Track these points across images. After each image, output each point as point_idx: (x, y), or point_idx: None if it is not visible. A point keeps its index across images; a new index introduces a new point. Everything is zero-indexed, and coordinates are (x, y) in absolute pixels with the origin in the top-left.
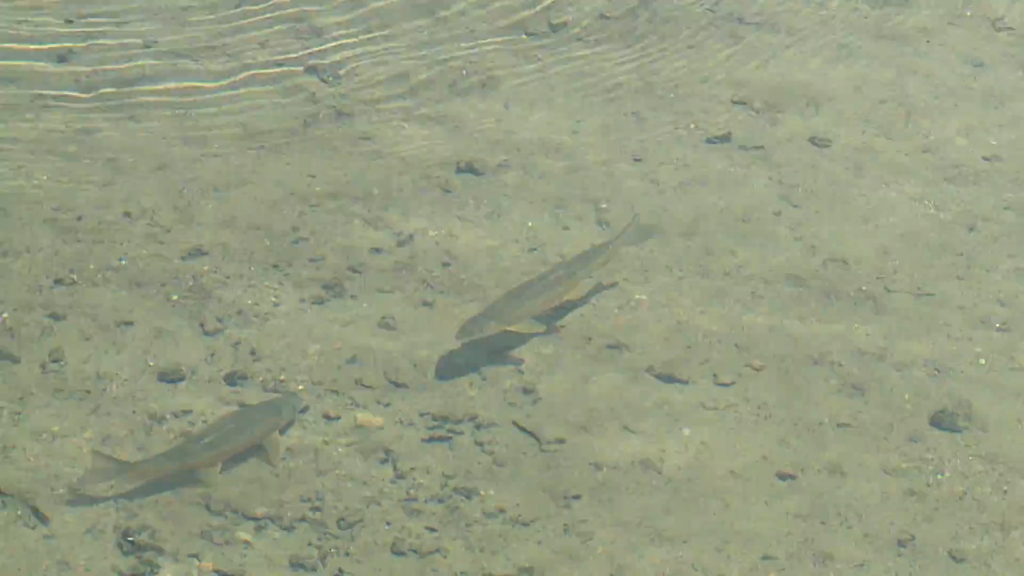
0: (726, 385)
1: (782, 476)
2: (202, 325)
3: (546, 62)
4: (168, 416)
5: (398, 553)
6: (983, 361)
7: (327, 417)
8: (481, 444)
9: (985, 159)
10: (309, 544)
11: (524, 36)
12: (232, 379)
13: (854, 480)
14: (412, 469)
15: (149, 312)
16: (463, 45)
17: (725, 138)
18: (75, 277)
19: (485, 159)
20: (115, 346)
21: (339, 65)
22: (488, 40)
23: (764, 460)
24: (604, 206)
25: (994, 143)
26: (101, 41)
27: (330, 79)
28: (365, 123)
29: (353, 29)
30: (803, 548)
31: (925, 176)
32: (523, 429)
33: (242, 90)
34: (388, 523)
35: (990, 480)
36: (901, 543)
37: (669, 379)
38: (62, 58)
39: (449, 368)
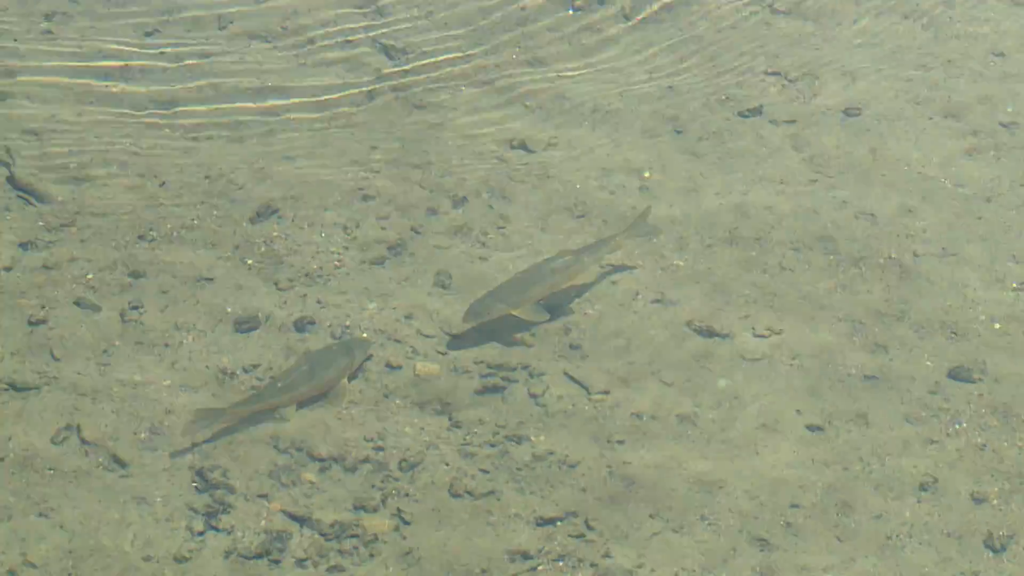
0: (763, 336)
1: (811, 427)
2: (276, 283)
3: (591, 40)
4: (239, 368)
5: (455, 495)
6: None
7: (388, 366)
8: (534, 395)
9: (1002, 125)
10: (372, 486)
11: (570, 12)
12: (301, 325)
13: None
14: (467, 416)
15: (224, 268)
16: (515, 23)
17: (758, 110)
18: (155, 235)
19: (536, 131)
20: (192, 300)
21: (402, 42)
22: (538, 19)
23: (796, 412)
24: (646, 175)
25: (1011, 110)
26: (183, 15)
27: (394, 55)
28: (425, 96)
29: (414, 10)
30: (828, 495)
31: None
32: (573, 379)
33: (311, 66)
34: (446, 464)
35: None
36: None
37: (708, 334)
38: (148, 33)
39: (502, 323)
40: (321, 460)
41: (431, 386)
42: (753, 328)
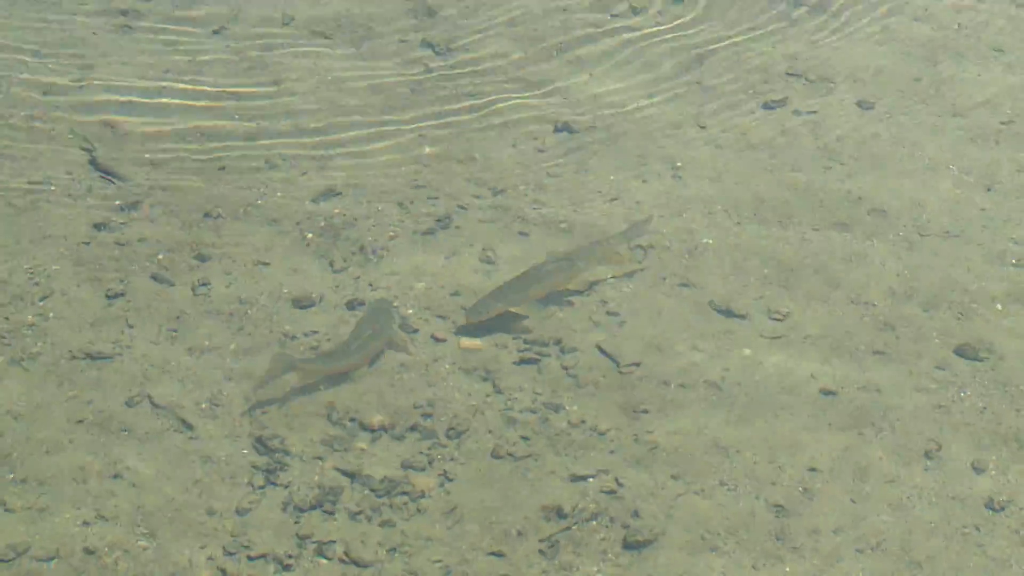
0: (778, 320)
1: (825, 392)
2: (331, 264)
3: (626, 38)
4: (299, 334)
5: (497, 457)
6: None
7: (435, 339)
8: (567, 367)
9: (1002, 123)
10: (420, 452)
11: (608, 17)
12: (352, 304)
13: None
14: (508, 386)
15: (285, 246)
16: (556, 24)
17: (781, 103)
18: (221, 211)
19: (575, 121)
20: (256, 274)
21: (449, 40)
22: (577, 18)
23: (811, 378)
24: (679, 164)
25: (1009, 111)
26: (249, 12)
27: (441, 51)
28: (470, 87)
29: (461, 9)
30: (843, 458)
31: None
32: (604, 352)
33: (367, 61)
34: (490, 431)
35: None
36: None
37: (728, 313)
38: (216, 30)
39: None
40: (372, 430)
41: (476, 357)
42: (769, 308)
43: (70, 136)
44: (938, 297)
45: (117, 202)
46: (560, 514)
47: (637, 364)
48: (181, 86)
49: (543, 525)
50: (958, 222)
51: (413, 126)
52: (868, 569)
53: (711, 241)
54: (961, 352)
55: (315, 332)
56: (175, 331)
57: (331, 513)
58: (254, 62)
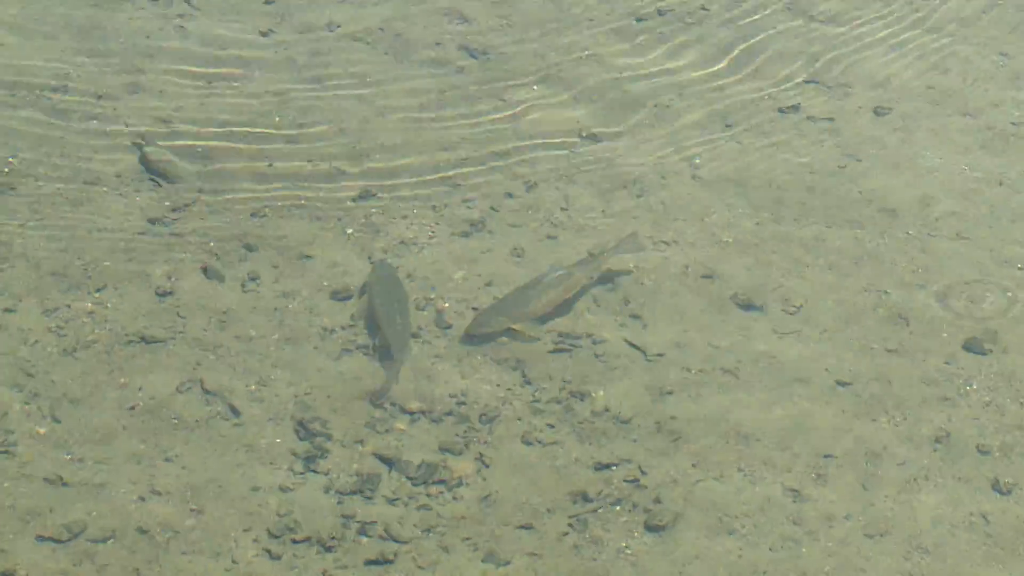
0: (794, 312)
1: (841, 383)
2: (369, 258)
3: (652, 44)
4: (337, 327)
5: (526, 443)
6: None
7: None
8: (597, 356)
9: (1012, 124)
10: (455, 435)
11: (635, 22)
12: None
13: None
14: (537, 375)
15: (327, 242)
16: (584, 30)
17: (796, 108)
18: (267, 211)
19: (600, 123)
20: (299, 270)
21: (483, 43)
22: (605, 25)
23: (825, 372)
24: (699, 162)
25: (1017, 113)
26: (296, 20)
27: (476, 54)
28: (502, 91)
29: (492, 15)
30: (856, 445)
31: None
32: (632, 344)
33: (404, 64)
34: (519, 419)
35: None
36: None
37: (748, 306)
38: (264, 33)
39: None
40: (411, 413)
41: (508, 347)
42: (787, 300)
43: (122, 135)
44: (949, 292)
45: (167, 201)
46: (585, 498)
47: (661, 354)
48: (229, 87)
49: (571, 507)
50: (968, 221)
51: (450, 127)
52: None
53: (730, 239)
54: (968, 347)
55: (352, 325)
56: (224, 319)
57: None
58: (299, 64)
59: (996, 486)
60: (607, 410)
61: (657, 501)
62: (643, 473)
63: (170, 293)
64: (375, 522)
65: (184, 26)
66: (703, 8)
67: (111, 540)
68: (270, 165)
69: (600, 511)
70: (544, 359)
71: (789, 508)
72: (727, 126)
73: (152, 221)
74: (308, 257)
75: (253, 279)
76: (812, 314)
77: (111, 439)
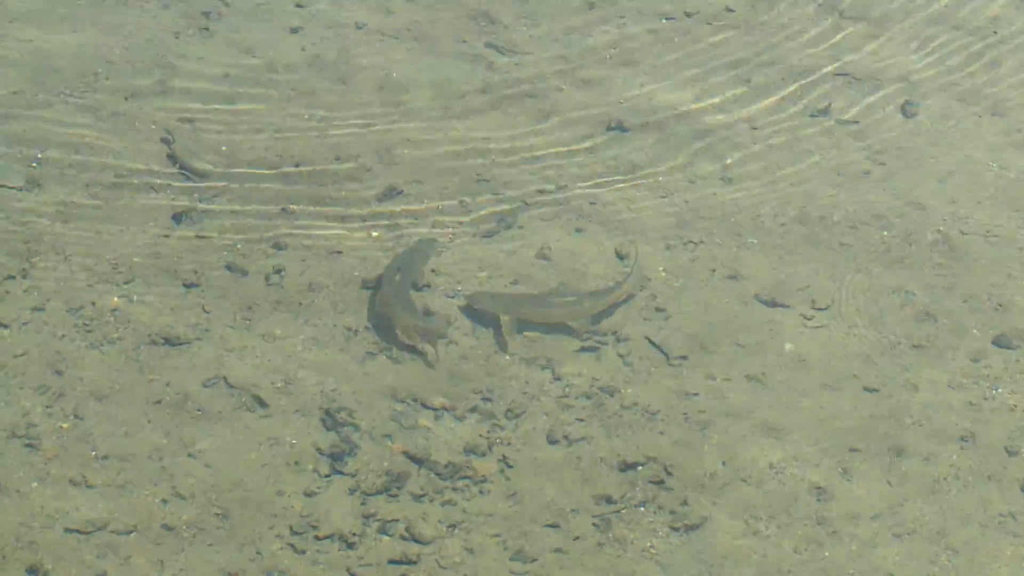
0: (821, 309)
1: (868, 388)
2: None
3: (680, 42)
4: (362, 326)
5: (552, 440)
6: None
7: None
8: (622, 355)
9: None
10: (480, 435)
11: (663, 21)
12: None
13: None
14: (566, 372)
15: (354, 239)
16: (612, 28)
17: (825, 111)
18: (295, 206)
19: (629, 120)
20: (325, 267)
21: (511, 43)
22: (633, 24)
23: (853, 377)
24: (727, 163)
25: None
26: (322, 19)
27: (505, 53)
28: (529, 89)
29: (521, 17)
30: (882, 443)
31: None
32: (653, 344)
33: (432, 61)
34: (545, 414)
35: None
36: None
37: (773, 304)
38: (293, 31)
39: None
40: (434, 409)
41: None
42: (813, 301)
43: (151, 131)
44: (977, 293)
45: (196, 195)
46: (609, 500)
47: (685, 357)
48: (257, 84)
49: (595, 508)
50: (997, 219)
51: (475, 125)
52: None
53: (755, 240)
54: (998, 343)
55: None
56: (249, 318)
57: (395, 497)
58: (327, 62)
59: None
60: (636, 404)
61: (684, 503)
62: (668, 475)
63: (196, 285)
64: (398, 520)
65: (212, 24)
66: (728, 9)
67: (134, 533)
68: (297, 165)
69: (625, 511)
70: (572, 357)
71: (815, 507)
72: (754, 128)
73: (179, 218)
74: (336, 253)
75: (279, 271)
76: (837, 313)
77: (136, 432)
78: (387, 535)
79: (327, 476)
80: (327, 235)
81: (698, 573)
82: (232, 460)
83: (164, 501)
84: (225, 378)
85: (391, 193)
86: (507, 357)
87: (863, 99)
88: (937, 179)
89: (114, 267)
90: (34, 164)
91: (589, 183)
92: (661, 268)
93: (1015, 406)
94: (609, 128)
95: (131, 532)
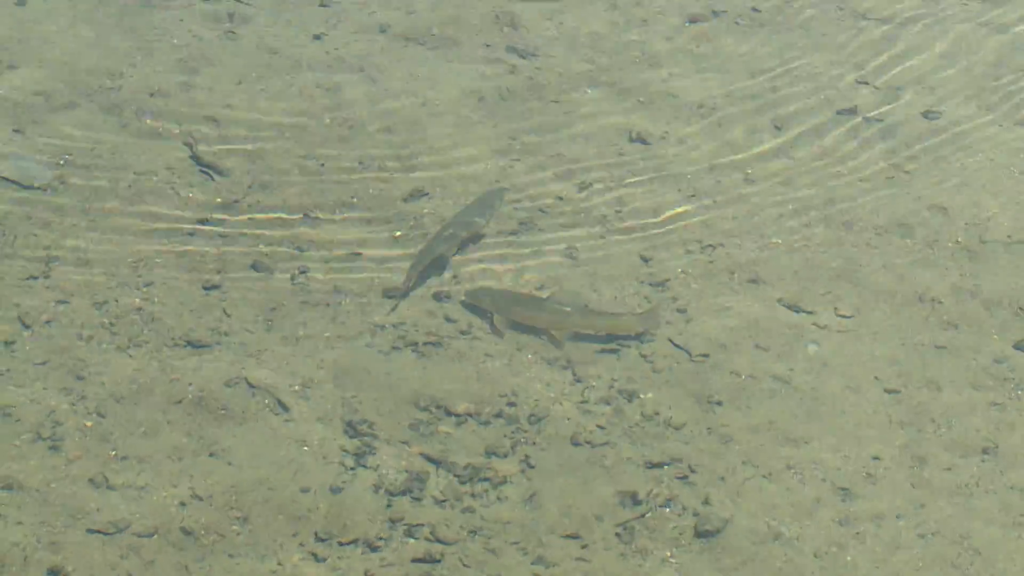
0: (846, 317)
1: (889, 391)
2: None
3: (705, 46)
4: (387, 325)
5: (575, 444)
6: None
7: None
8: (644, 356)
9: None
10: (503, 436)
11: (688, 24)
12: (440, 297)
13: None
14: (587, 375)
15: (379, 241)
16: (637, 32)
17: (851, 111)
18: (318, 209)
19: (651, 124)
20: (348, 268)
21: (533, 47)
22: (658, 27)
23: (875, 379)
24: (749, 172)
25: None
26: (347, 22)
27: (527, 56)
28: (555, 92)
29: (545, 21)
30: (904, 451)
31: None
32: (676, 345)
33: (458, 65)
34: (568, 419)
35: None
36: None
37: (796, 309)
38: (317, 37)
39: (618, 294)
40: (457, 415)
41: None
42: (836, 307)
43: (174, 133)
44: (999, 298)
45: (217, 199)
46: (634, 499)
47: (706, 355)
48: (281, 86)
49: (619, 512)
50: (1019, 226)
51: (499, 128)
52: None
53: (779, 240)
54: (1020, 347)
55: (403, 323)
56: (271, 320)
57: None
58: (351, 65)
59: None
60: (657, 413)
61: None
62: (692, 471)
63: (218, 287)
64: (422, 524)
65: (236, 26)
66: (754, 9)
67: (156, 535)
68: (322, 165)
69: (648, 516)
70: (592, 359)
71: (838, 508)
72: (776, 128)
73: (202, 220)
74: (357, 255)
75: (303, 272)
76: (862, 318)
77: (156, 433)
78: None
79: (352, 469)
80: (351, 237)
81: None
82: (255, 460)
83: (183, 504)
84: (246, 379)
85: (416, 195)
86: (529, 356)
87: (887, 101)
88: (960, 183)
89: (136, 268)
90: (61, 163)
91: (613, 185)
92: (680, 270)
93: None
94: (631, 139)
95: (152, 534)
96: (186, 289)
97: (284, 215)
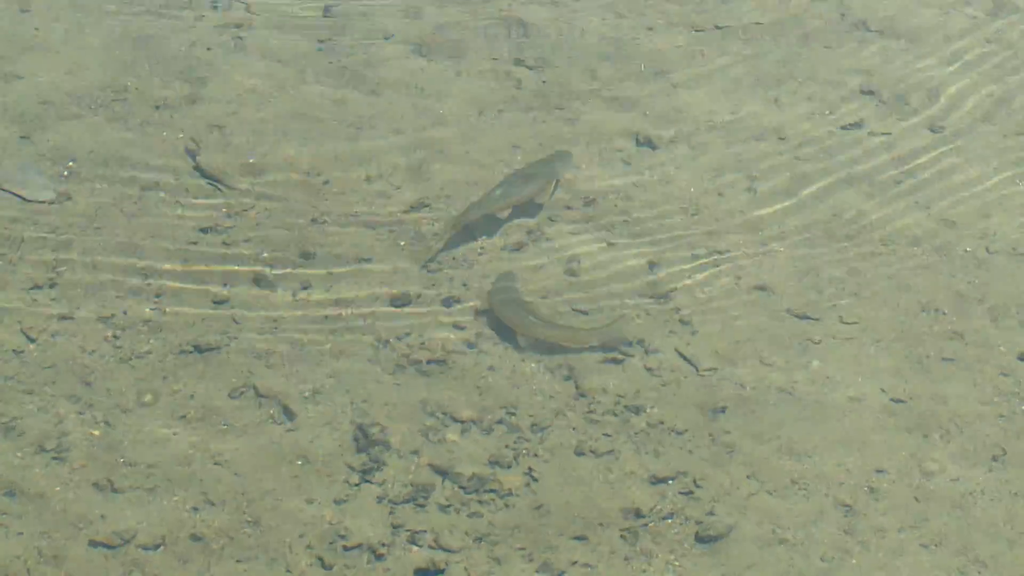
0: (849, 324)
1: (895, 400)
2: (424, 267)
3: (710, 56)
4: (392, 338)
5: (579, 454)
6: None
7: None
8: (649, 368)
9: None
10: (506, 446)
11: (693, 32)
12: (448, 302)
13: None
14: (591, 386)
15: (381, 251)
16: (642, 40)
17: (857, 124)
18: (324, 217)
19: (658, 133)
20: (352, 278)
21: (540, 56)
22: (663, 36)
23: (881, 390)
24: (755, 175)
25: None
26: (352, 32)
27: (535, 69)
28: (559, 100)
29: (551, 30)
30: (910, 462)
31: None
32: (683, 356)
33: (464, 75)
34: (573, 428)
35: None
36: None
37: (804, 317)
38: (322, 41)
39: (622, 304)
40: (462, 422)
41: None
42: (841, 316)
43: (178, 141)
44: (1005, 309)
45: (223, 209)
46: (638, 513)
47: (713, 369)
48: (286, 97)
49: (623, 521)
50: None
51: (506, 137)
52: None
53: (782, 249)
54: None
55: (408, 334)
56: (277, 324)
57: (423, 507)
58: (356, 74)
59: None
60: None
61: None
62: (697, 486)
63: (225, 301)
64: (426, 531)
65: (241, 36)
66: (757, 23)
67: (161, 548)
68: (326, 182)
69: (652, 524)
70: (596, 369)
71: (841, 520)
72: (781, 139)
73: (206, 229)
74: (363, 263)
75: (305, 287)
76: (867, 329)
77: (163, 443)
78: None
79: (357, 485)
80: (355, 245)
81: None
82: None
83: (195, 508)
84: (255, 387)
85: (420, 205)
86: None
87: (892, 114)
88: (966, 195)
89: (143, 277)
90: (65, 174)
91: (618, 196)
92: (687, 279)
93: None
94: (639, 143)
95: (159, 546)
96: (193, 297)
97: (289, 225)
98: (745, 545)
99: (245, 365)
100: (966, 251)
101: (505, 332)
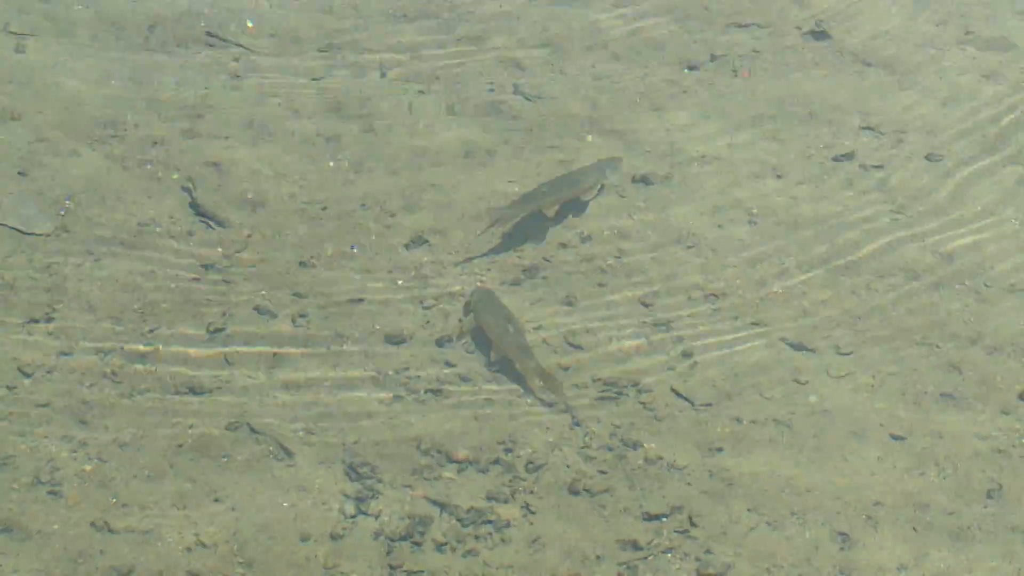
0: (846, 355)
1: (894, 436)
2: (421, 302)
3: (704, 91)
4: (390, 371)
5: (574, 492)
6: None
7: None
8: (644, 404)
9: None
10: (502, 484)
11: (687, 70)
12: (441, 342)
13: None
14: (587, 422)
15: (377, 289)
16: (637, 76)
17: (850, 156)
18: (319, 253)
19: (654, 169)
20: (349, 313)
21: (536, 88)
22: (657, 72)
23: (879, 426)
24: (755, 212)
25: None
26: (345, 66)
27: (530, 98)
28: (554, 136)
29: (546, 65)
30: (907, 499)
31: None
32: (679, 394)
33: (458, 111)
34: (568, 465)
35: None
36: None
37: (800, 347)
38: (316, 78)
39: (619, 336)
40: (458, 462)
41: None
42: (838, 347)
43: (175, 179)
44: (1002, 344)
45: (219, 247)
46: (635, 546)
47: (710, 404)
48: (282, 132)
49: (619, 554)
50: (1021, 272)
51: (501, 173)
52: None
53: (779, 290)
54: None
55: (406, 368)
56: (274, 363)
57: (419, 545)
58: (351, 111)
59: None
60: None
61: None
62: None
63: (222, 330)
64: (423, 571)
65: (238, 72)
66: (755, 51)
67: None
68: (324, 208)
69: (651, 558)
70: (592, 404)
71: (838, 558)
72: (778, 177)
73: (205, 266)
74: (358, 302)
75: (303, 315)
76: (863, 364)
77: (159, 478)
78: None
79: (352, 517)
80: (351, 283)
81: None
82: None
83: (188, 549)
84: (249, 424)
85: (417, 242)
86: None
87: (887, 146)
88: (960, 227)
89: (140, 314)
90: (61, 212)
91: (614, 232)
92: (687, 314)
93: None
94: (634, 180)
95: None
96: (189, 334)
97: (285, 262)
98: None
99: (240, 401)
100: (965, 284)
101: (483, 342)
